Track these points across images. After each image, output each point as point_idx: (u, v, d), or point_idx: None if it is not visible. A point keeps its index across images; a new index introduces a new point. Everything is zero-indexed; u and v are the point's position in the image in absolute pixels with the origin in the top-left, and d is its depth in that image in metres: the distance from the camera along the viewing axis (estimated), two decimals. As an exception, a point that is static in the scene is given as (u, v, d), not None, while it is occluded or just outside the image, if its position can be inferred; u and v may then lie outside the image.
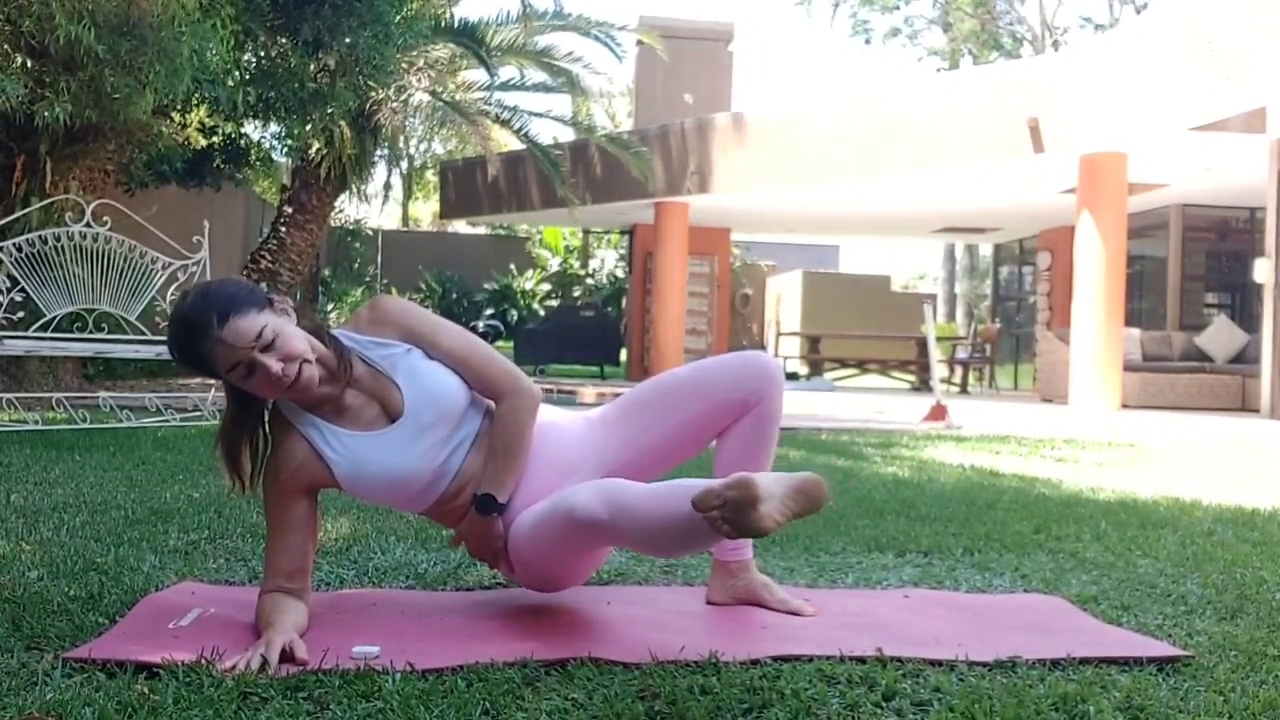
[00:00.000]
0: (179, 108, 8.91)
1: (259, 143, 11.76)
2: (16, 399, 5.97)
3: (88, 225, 5.95)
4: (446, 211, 17.97)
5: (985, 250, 26.39)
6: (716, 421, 2.09)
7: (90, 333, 6.00)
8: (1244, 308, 13.41)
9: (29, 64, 6.35)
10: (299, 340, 1.88)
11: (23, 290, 5.77)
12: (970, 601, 2.28)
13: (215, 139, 10.84)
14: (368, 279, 22.00)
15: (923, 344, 13.97)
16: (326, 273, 20.03)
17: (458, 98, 11.56)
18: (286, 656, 1.67)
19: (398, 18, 8.35)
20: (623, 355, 18.10)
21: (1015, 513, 3.50)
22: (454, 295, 21.69)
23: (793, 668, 1.73)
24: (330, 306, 19.02)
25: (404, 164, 24.63)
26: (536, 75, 12.84)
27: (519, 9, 11.15)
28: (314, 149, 10.61)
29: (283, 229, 11.11)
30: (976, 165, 11.58)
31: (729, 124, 13.93)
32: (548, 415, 2.11)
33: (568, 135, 15.84)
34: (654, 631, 1.91)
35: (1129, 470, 5.20)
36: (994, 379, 15.71)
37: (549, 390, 10.87)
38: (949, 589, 2.42)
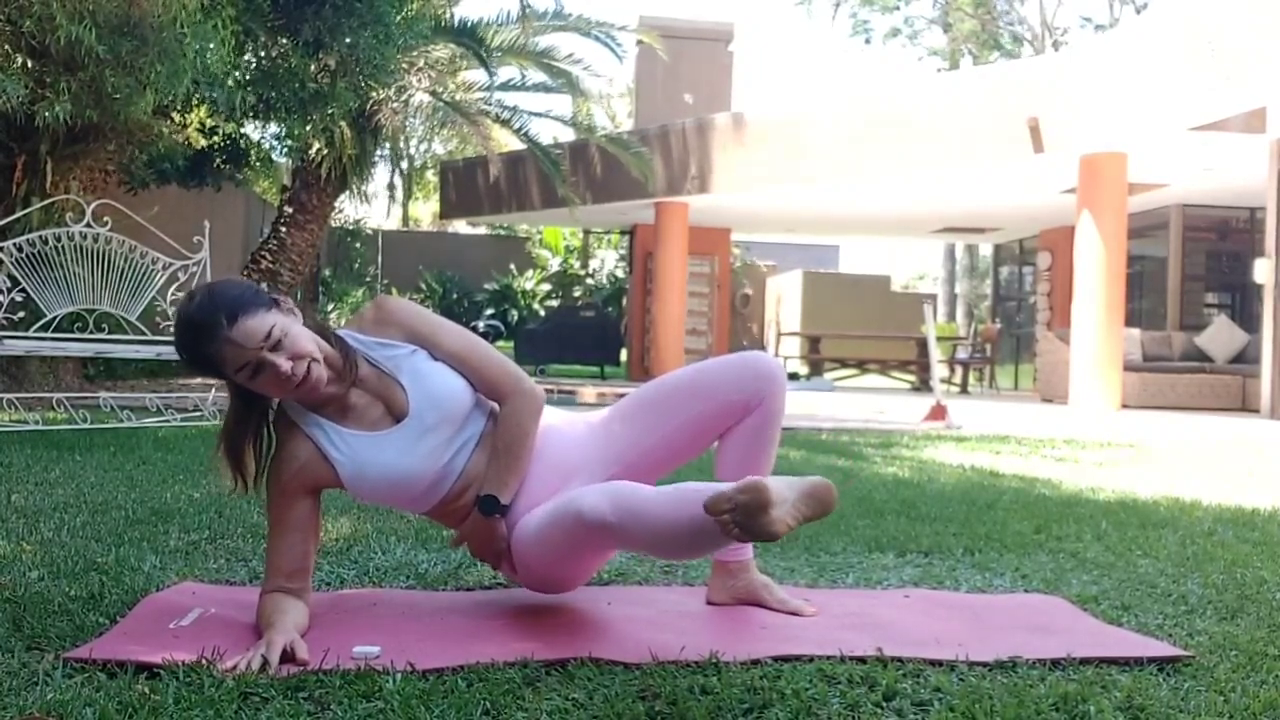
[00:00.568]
0: (179, 108, 8.92)
1: (259, 143, 11.77)
2: (17, 399, 5.97)
3: (88, 225, 5.95)
4: (447, 211, 17.97)
5: (985, 250, 26.39)
6: (718, 423, 2.09)
7: (90, 333, 6.00)
8: (1244, 308, 13.41)
9: (30, 64, 6.35)
10: (307, 339, 1.89)
11: (23, 290, 5.77)
12: (970, 601, 2.28)
13: (215, 139, 10.84)
14: (368, 279, 22.00)
15: (923, 344, 13.97)
16: (327, 273, 20.03)
17: (458, 98, 11.57)
18: (287, 656, 1.67)
19: (398, 18, 8.35)
20: (623, 355, 18.10)
21: (1015, 513, 3.50)
22: (454, 295, 21.69)
23: (793, 668, 1.73)
24: (330, 307, 19.02)
25: (404, 164, 24.61)
26: (536, 75, 12.84)
27: (519, 9, 11.15)
28: (314, 149, 10.62)
29: (283, 229, 11.12)
30: (976, 165, 11.58)
31: (729, 124, 13.93)
32: (550, 418, 2.11)
33: (568, 135, 15.83)
34: (654, 631, 1.91)
35: (1129, 470, 5.20)
36: (994, 379, 15.71)
37: (549, 390, 10.87)
38: (949, 589, 2.42)
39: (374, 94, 9.62)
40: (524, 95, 13.46)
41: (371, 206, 27.43)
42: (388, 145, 14.26)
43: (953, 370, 15.96)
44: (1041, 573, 2.60)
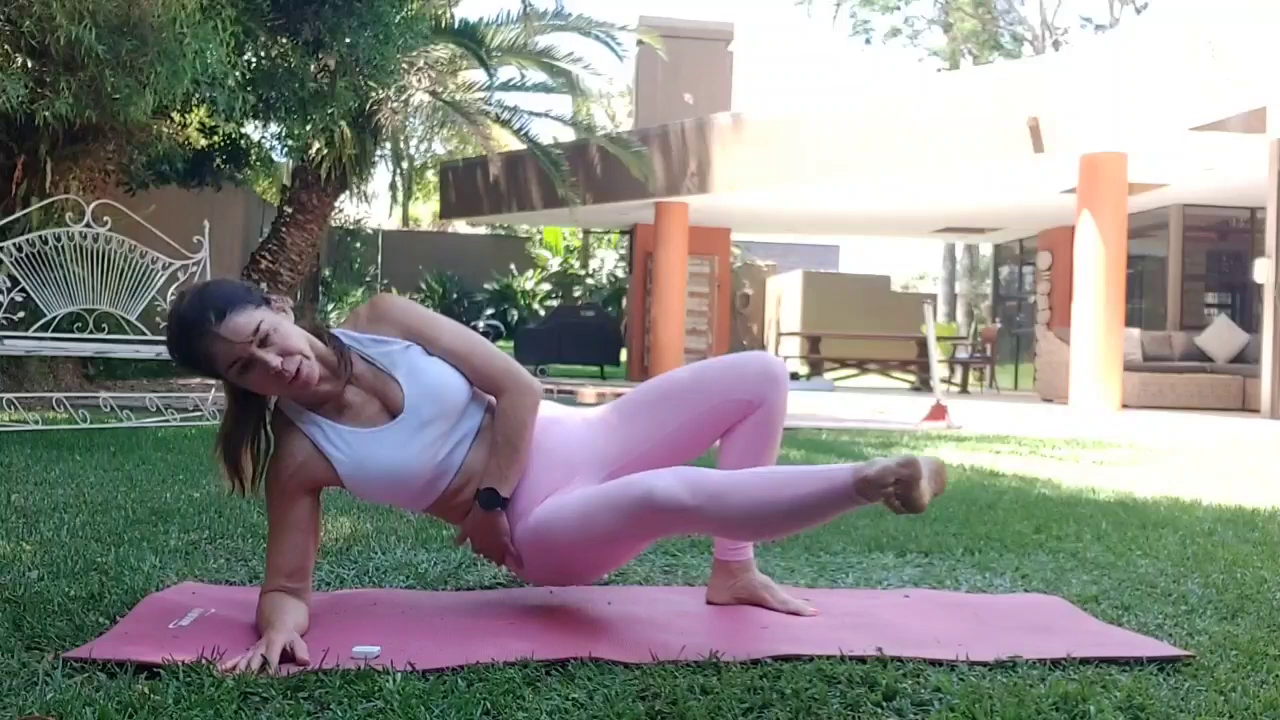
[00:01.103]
0: (179, 108, 8.92)
1: (259, 143, 11.76)
2: (17, 399, 5.96)
3: (88, 225, 5.95)
4: (447, 211, 17.97)
5: (985, 250, 26.39)
6: (721, 422, 2.09)
7: (90, 333, 6.00)
8: (1244, 308, 13.42)
9: (29, 64, 6.35)
10: (296, 336, 1.89)
11: (23, 290, 5.77)
12: (971, 601, 2.28)
13: (215, 139, 10.84)
14: (368, 279, 22.00)
15: (923, 344, 13.97)
16: (327, 273, 20.02)
17: (458, 98, 11.56)
18: (287, 656, 1.67)
19: (398, 18, 8.34)
20: (623, 355, 18.10)
21: (1015, 513, 3.50)
22: (454, 295, 21.70)
23: (793, 668, 1.73)
24: (331, 306, 19.01)
25: (404, 164, 24.60)
26: (536, 75, 12.84)
27: (519, 9, 11.15)
28: (314, 149, 10.61)
29: (283, 229, 11.11)
30: (976, 165, 11.58)
31: (729, 124, 13.93)
32: (550, 411, 2.10)
33: (568, 135, 15.84)
34: (654, 631, 1.91)
35: (1129, 470, 5.19)
36: (994, 379, 15.71)
37: (549, 390, 10.86)
38: (949, 589, 2.42)
39: (374, 94, 9.62)
40: (524, 95, 13.46)
41: (371, 206, 27.39)
42: (388, 145, 14.24)
43: (953, 370, 15.97)
44: (1041, 573, 2.60)
